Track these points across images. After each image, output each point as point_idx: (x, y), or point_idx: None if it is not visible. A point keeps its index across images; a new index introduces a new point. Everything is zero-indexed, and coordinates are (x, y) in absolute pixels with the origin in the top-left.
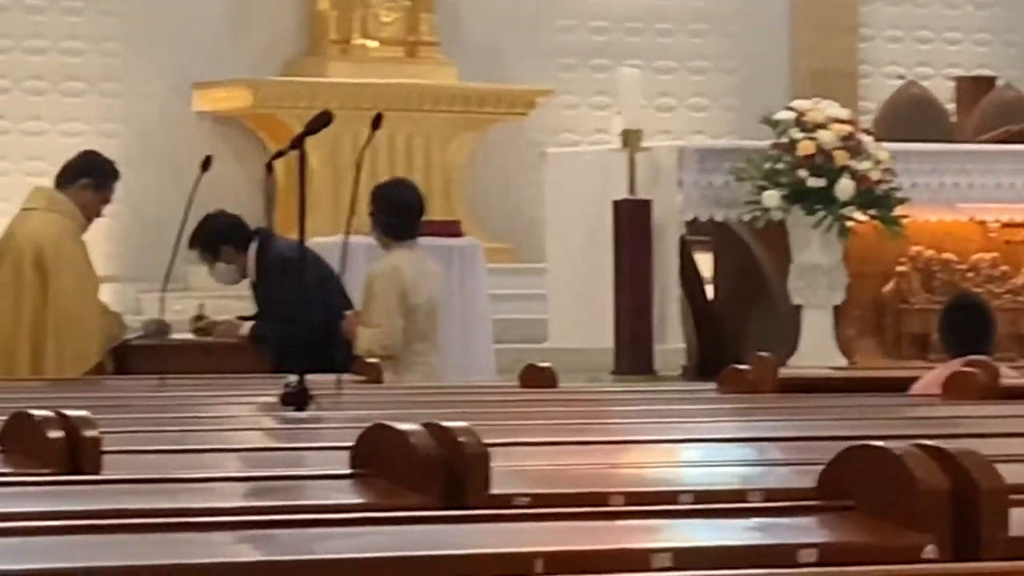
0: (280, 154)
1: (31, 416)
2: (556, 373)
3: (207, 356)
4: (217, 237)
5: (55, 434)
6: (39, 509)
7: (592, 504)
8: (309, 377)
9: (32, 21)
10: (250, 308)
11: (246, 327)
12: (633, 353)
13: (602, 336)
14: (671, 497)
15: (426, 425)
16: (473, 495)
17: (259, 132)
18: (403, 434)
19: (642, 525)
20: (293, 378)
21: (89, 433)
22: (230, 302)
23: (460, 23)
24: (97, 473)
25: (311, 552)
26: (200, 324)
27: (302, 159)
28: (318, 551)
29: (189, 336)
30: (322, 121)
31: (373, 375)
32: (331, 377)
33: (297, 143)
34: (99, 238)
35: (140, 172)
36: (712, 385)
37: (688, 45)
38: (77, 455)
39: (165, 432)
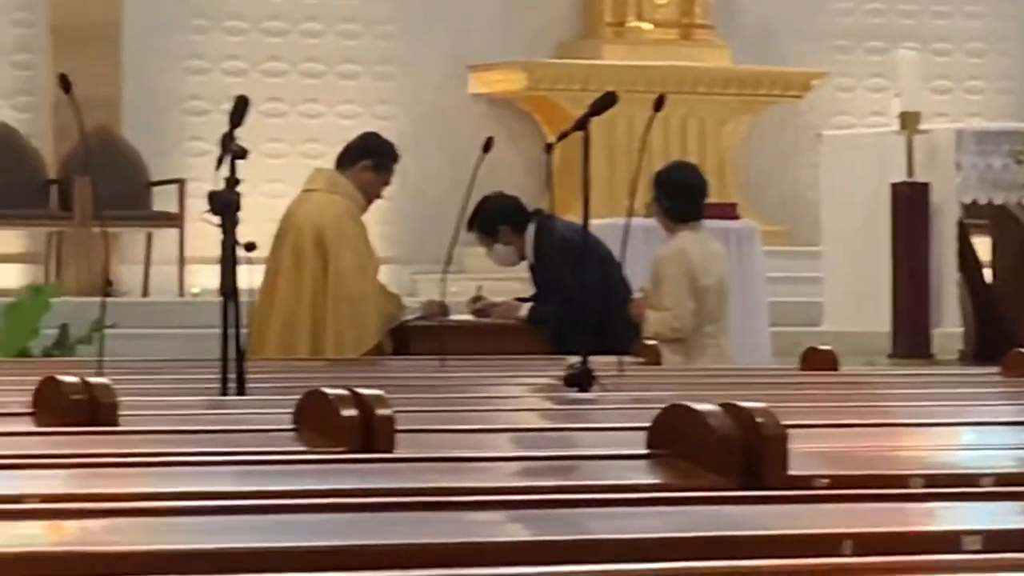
0: (565, 135)
1: (325, 395)
2: (837, 356)
3: (484, 337)
4: (495, 218)
5: (349, 412)
6: (333, 487)
7: (891, 486)
8: (591, 358)
9: (309, 4)
10: (527, 289)
11: (524, 308)
12: (910, 336)
13: (878, 319)
14: (972, 479)
15: (723, 405)
16: (771, 476)
17: (533, 114)
18: (701, 414)
19: (947, 507)
20: (575, 359)
21: (382, 412)
22: (507, 284)
23: (734, 5)
24: (390, 451)
25: (613, 532)
26: (478, 305)
27: (586, 140)
28: (619, 531)
29: (467, 317)
30: (607, 102)
31: (652, 357)
32: (612, 359)
33: (582, 124)
34: (375, 220)
35: (415, 154)
36: (994, 369)
37: (964, 27)
38: (370, 433)
39: (450, 412)
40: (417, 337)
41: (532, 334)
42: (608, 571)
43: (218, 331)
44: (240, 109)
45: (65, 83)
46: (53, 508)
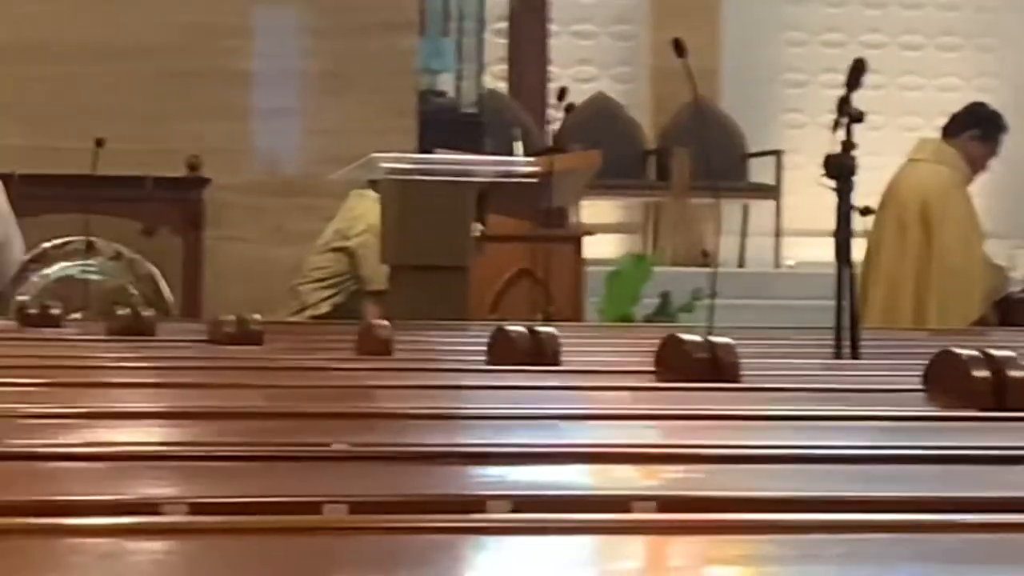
0: None
1: (957, 355)
2: None
3: None
4: None
5: (981, 373)
6: (961, 443)
7: None
8: None
9: None
10: None
11: None
12: None
13: None
14: None
15: None
16: None
17: None
18: None
19: None
20: None
21: (1015, 373)
22: None
23: None
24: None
25: None
26: None
27: None
28: None
29: None
30: None
31: None
32: None
33: None
34: (976, 191)
35: (1014, 127)
36: None
37: None
38: (1003, 393)
39: None
40: (1022, 310)
41: None
42: None
43: (814, 303)
44: (857, 72)
45: (679, 48)
46: (678, 454)
